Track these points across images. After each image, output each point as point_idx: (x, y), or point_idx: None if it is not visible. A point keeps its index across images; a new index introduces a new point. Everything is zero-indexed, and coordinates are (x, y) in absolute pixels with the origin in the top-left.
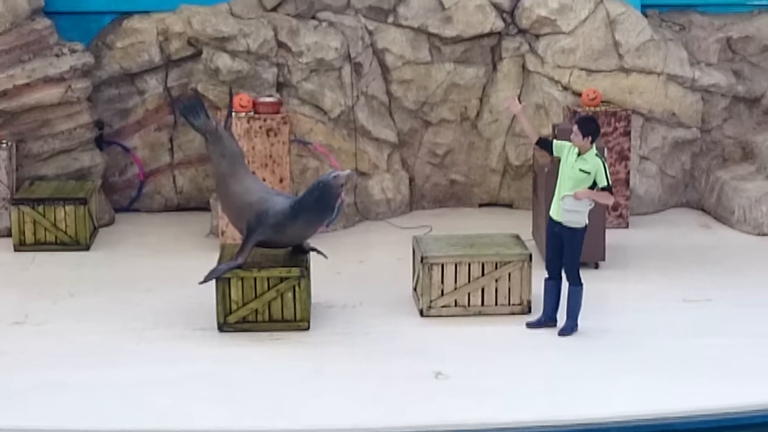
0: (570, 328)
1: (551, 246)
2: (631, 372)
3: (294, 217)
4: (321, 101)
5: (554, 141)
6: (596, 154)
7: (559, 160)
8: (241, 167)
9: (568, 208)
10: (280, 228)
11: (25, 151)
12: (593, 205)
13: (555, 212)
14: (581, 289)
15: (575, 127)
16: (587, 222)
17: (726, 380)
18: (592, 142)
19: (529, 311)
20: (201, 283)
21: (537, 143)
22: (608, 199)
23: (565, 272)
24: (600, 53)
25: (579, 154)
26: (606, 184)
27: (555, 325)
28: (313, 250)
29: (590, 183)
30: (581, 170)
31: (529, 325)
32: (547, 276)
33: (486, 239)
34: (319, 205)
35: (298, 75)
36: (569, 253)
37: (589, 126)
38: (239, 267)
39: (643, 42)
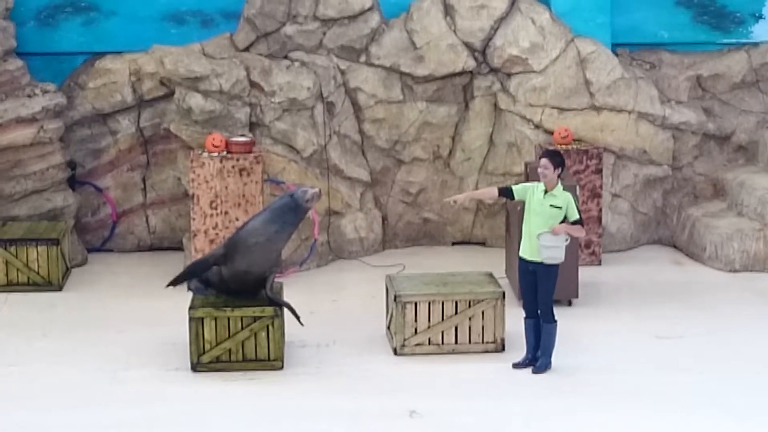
0: (544, 366)
1: (526, 286)
2: (605, 409)
3: (256, 218)
4: (293, 141)
5: (513, 187)
6: (564, 188)
7: (523, 203)
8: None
9: (547, 244)
10: (251, 234)
11: None
12: (569, 240)
13: (527, 252)
14: (555, 326)
15: (545, 161)
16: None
17: (698, 416)
18: (560, 176)
19: (503, 349)
20: (167, 285)
21: (499, 195)
22: (582, 232)
23: (540, 309)
24: (571, 92)
25: (546, 191)
26: (578, 217)
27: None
28: (292, 312)
29: (562, 218)
30: (552, 206)
31: (516, 366)
32: (525, 315)
33: (459, 277)
34: (285, 215)
35: (270, 114)
36: (543, 289)
37: (557, 158)
38: (204, 264)
39: (613, 80)
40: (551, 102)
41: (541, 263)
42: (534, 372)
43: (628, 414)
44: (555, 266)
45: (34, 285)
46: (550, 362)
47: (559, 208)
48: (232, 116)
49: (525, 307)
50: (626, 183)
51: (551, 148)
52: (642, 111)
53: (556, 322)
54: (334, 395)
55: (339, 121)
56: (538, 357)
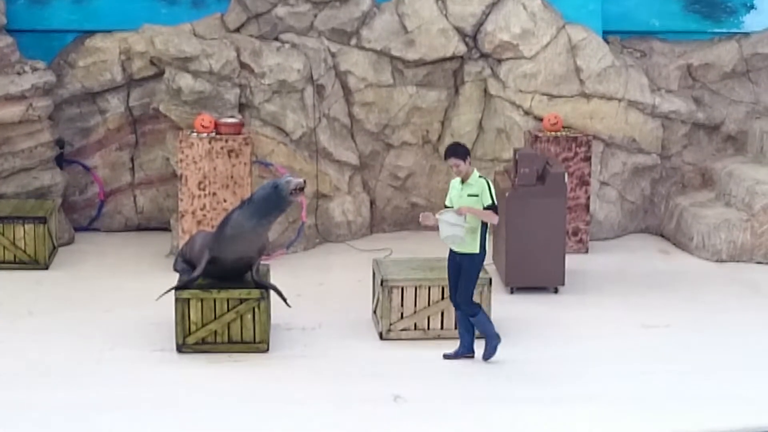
0: (492, 349)
1: (453, 277)
2: (590, 398)
3: (239, 208)
4: (283, 123)
5: (446, 203)
6: (479, 176)
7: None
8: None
9: (449, 221)
10: (234, 229)
11: None
12: (467, 224)
13: (455, 245)
14: (481, 313)
15: (452, 160)
16: (486, 250)
17: (684, 406)
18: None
19: None
20: (158, 299)
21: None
22: (492, 218)
23: (460, 300)
24: (561, 78)
25: (463, 181)
26: (491, 202)
27: (473, 356)
28: (279, 294)
29: (481, 205)
30: (470, 195)
31: (446, 357)
32: (455, 308)
33: (446, 263)
34: (268, 205)
35: (260, 96)
36: (464, 280)
37: (460, 150)
38: (196, 279)
39: (604, 68)
40: (541, 88)
41: (467, 254)
42: (484, 359)
43: (612, 403)
44: (477, 256)
45: (20, 263)
46: (494, 346)
47: (477, 195)
48: (221, 97)
49: (452, 299)
50: (615, 171)
51: (452, 143)
52: (632, 99)
53: (480, 310)
54: (318, 378)
55: (329, 104)
56: (471, 350)
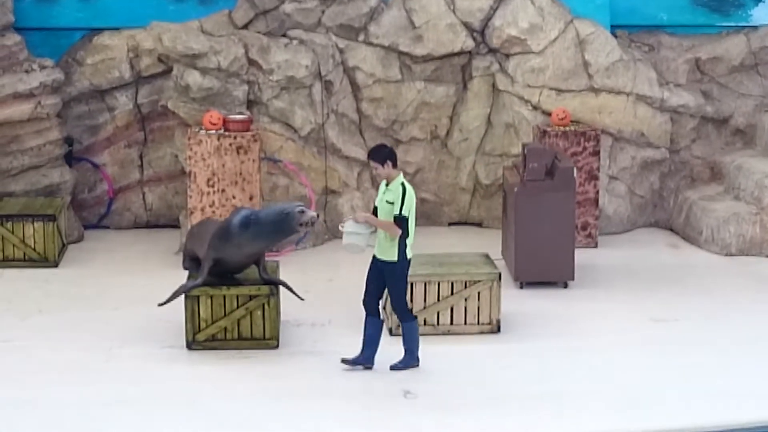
0: (404, 366)
1: (370, 281)
2: (599, 392)
3: (245, 228)
4: (291, 119)
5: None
6: (401, 183)
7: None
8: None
9: (347, 230)
10: (232, 239)
11: None
12: (375, 230)
13: (376, 249)
14: (414, 323)
15: (371, 163)
16: (407, 258)
17: (693, 400)
18: (394, 167)
19: (498, 330)
20: (161, 304)
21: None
22: (392, 230)
23: (393, 309)
24: (570, 73)
25: (387, 185)
26: (398, 214)
27: (371, 368)
28: (289, 289)
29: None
30: (388, 201)
31: (344, 361)
32: (365, 311)
33: (455, 258)
34: (274, 230)
35: (268, 92)
36: (391, 289)
37: (380, 153)
38: (199, 286)
39: (612, 62)
40: (549, 83)
41: (386, 261)
42: (392, 368)
43: (621, 397)
44: (397, 264)
45: (30, 261)
46: (412, 360)
47: (392, 203)
48: (229, 94)
49: (364, 303)
50: (623, 165)
51: (376, 145)
52: (640, 93)
53: (414, 319)
54: (328, 375)
55: (337, 99)
56: (370, 360)
